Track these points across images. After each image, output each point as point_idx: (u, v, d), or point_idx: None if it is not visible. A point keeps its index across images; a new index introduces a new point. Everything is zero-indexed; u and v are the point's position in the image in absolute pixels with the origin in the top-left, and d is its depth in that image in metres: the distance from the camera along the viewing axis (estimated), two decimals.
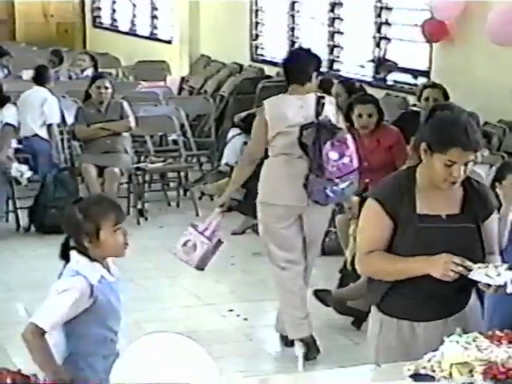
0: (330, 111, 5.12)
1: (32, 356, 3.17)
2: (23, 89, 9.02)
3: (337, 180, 5.03)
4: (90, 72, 10.33)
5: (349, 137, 5.11)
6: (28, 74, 11.18)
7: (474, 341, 2.85)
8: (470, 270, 3.02)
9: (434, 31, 8.00)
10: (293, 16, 10.57)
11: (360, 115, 6.23)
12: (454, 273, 3.00)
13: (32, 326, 3.18)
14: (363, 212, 3.28)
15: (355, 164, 5.11)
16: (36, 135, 7.89)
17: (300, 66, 5.18)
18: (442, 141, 3.13)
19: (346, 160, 5.03)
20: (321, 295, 5.55)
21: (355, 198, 6.11)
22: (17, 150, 7.70)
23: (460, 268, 3.01)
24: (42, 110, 7.95)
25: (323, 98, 5.13)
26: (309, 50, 5.40)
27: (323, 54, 9.91)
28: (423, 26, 8.05)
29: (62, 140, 8.36)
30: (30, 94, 8.08)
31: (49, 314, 3.21)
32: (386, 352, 3.23)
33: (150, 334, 2.47)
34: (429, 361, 2.88)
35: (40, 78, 8.21)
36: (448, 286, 3.06)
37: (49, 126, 8.04)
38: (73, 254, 3.30)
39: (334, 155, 4.99)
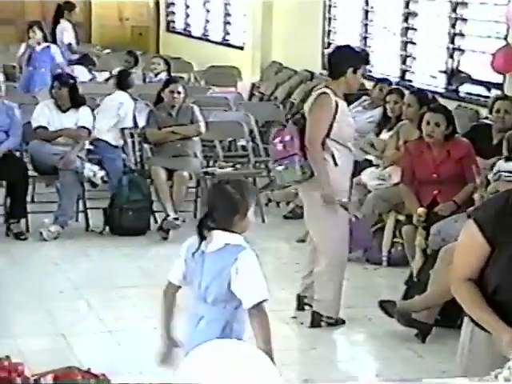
0: None
1: (261, 331, 3.59)
2: (97, 91, 9.17)
3: (276, 162, 5.52)
4: (163, 76, 10.42)
5: (293, 127, 5.41)
6: (101, 76, 11.37)
7: None
8: None
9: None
10: (366, 25, 10.53)
11: (428, 123, 6.20)
12: None
13: (262, 304, 3.62)
14: (462, 231, 3.24)
15: (290, 151, 5.34)
16: (104, 141, 7.94)
17: (332, 61, 5.50)
18: None
19: (279, 146, 5.43)
20: (385, 306, 5.52)
21: (421, 209, 6.08)
22: (89, 151, 7.80)
23: None
24: (117, 113, 8.01)
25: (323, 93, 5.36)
26: (346, 46, 5.66)
27: (395, 63, 9.89)
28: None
29: (133, 142, 8.45)
30: (110, 98, 8.13)
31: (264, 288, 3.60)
32: (474, 363, 3.19)
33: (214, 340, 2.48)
34: (495, 377, 2.83)
35: (121, 83, 8.26)
36: None
37: (122, 130, 8.09)
38: (217, 232, 3.54)
39: (275, 140, 5.48)
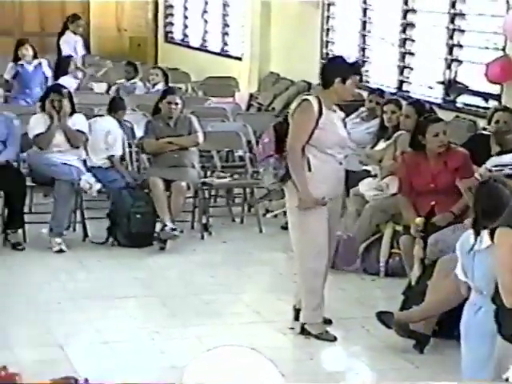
0: None
1: None
2: (94, 101, 9.17)
3: (259, 164, 5.85)
4: (161, 86, 10.44)
5: (271, 129, 5.56)
6: (99, 88, 11.38)
7: None
8: None
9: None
10: (364, 36, 10.55)
11: (437, 134, 6.22)
12: None
13: None
14: (501, 242, 3.28)
15: (267, 153, 5.53)
16: (99, 166, 7.86)
17: (323, 71, 5.66)
18: None
19: (260, 148, 5.70)
20: (383, 317, 5.51)
21: (419, 219, 6.08)
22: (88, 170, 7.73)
23: None
24: (105, 140, 7.92)
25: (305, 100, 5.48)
26: (338, 57, 5.86)
27: (393, 74, 9.90)
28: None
29: (131, 153, 8.45)
30: (99, 124, 7.97)
31: None
32: None
33: (219, 347, 2.47)
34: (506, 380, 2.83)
35: (111, 109, 8.20)
36: None
37: (109, 158, 7.96)
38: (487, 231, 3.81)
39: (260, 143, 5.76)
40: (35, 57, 10.57)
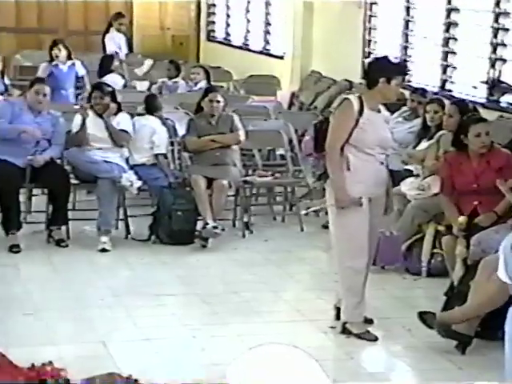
0: None
1: None
2: (136, 100, 9.23)
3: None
4: (203, 84, 10.48)
5: (312, 128, 5.62)
6: (142, 86, 11.45)
7: None
8: None
9: None
10: (406, 35, 10.50)
11: (479, 134, 6.18)
12: None
13: None
14: None
15: (307, 151, 5.72)
16: (142, 164, 7.90)
17: (368, 71, 5.67)
18: None
19: (302, 145, 5.99)
20: (425, 317, 5.49)
21: (462, 219, 6.05)
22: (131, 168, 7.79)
23: None
24: (150, 140, 7.96)
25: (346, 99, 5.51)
26: (384, 57, 5.75)
27: (436, 73, 9.85)
28: None
29: (173, 151, 8.49)
30: (142, 124, 7.99)
31: None
32: None
33: (263, 344, 2.47)
34: None
35: (149, 108, 8.23)
36: None
37: (156, 156, 8.01)
38: None
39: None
40: (69, 57, 10.62)
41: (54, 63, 10.52)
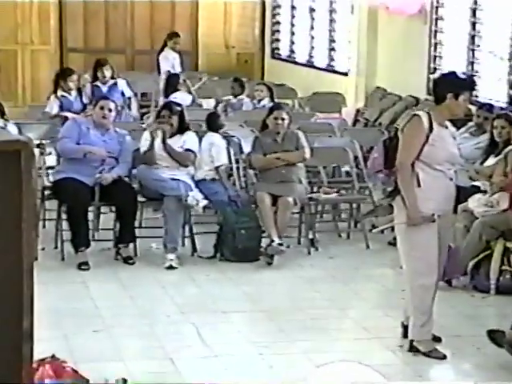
0: None
1: None
2: (202, 118, 9.31)
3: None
4: (266, 102, 10.53)
5: (381, 145, 5.60)
6: (208, 104, 11.55)
7: None
8: None
9: None
10: (473, 50, 10.42)
11: None
12: None
13: None
14: None
15: (376, 168, 5.67)
16: (204, 179, 7.96)
17: (435, 86, 5.62)
18: None
19: (369, 163, 5.92)
20: (494, 335, 5.42)
21: None
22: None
23: None
24: (209, 154, 8.01)
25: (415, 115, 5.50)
26: (451, 73, 5.75)
27: (503, 89, 9.74)
28: None
29: (238, 168, 8.54)
30: (203, 140, 8.04)
31: None
32: None
33: (334, 362, 2.48)
34: None
35: (210, 125, 8.28)
36: None
37: (216, 168, 8.05)
38: None
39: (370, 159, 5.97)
40: (112, 77, 10.72)
41: (94, 83, 10.61)
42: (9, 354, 2.26)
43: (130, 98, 10.94)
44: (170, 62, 12.49)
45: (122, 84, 10.83)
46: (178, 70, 12.54)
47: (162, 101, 10.84)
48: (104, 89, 10.48)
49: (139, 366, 5.20)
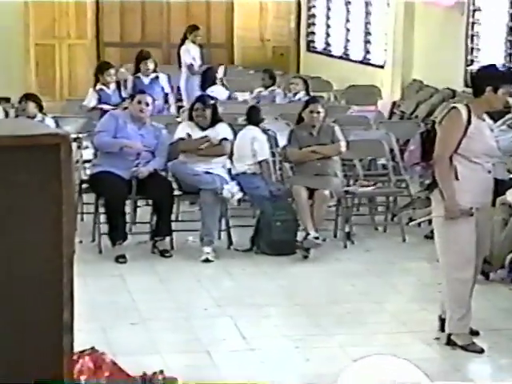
0: None
1: None
2: (238, 111, 9.33)
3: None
4: (302, 95, 10.51)
5: (418, 137, 5.57)
6: (244, 97, 11.55)
7: None
8: None
9: None
10: (510, 42, 10.31)
11: None
12: None
13: None
14: None
15: (413, 160, 5.62)
16: (243, 173, 7.97)
17: (474, 79, 5.64)
18: None
19: (406, 156, 5.84)
20: None
21: None
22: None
23: None
24: (251, 148, 8.02)
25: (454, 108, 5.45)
26: (491, 66, 5.75)
27: None
28: None
29: (274, 162, 8.54)
30: (243, 134, 8.07)
31: None
32: None
33: (371, 356, 2.46)
34: None
35: (251, 119, 8.29)
36: None
37: (259, 163, 8.06)
38: None
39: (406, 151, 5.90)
40: (154, 70, 10.77)
41: (136, 75, 10.67)
42: (50, 345, 2.28)
43: (167, 94, 10.96)
44: (190, 55, 12.45)
45: (163, 78, 10.88)
46: (198, 63, 12.50)
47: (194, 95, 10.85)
48: (146, 81, 10.56)
49: (176, 358, 5.23)
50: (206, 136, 7.71)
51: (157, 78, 10.70)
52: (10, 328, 2.27)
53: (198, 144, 7.69)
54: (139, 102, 7.67)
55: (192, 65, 12.11)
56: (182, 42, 12.61)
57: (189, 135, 7.73)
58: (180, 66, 12.45)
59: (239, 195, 7.62)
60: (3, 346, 2.28)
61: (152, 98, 7.94)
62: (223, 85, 11.39)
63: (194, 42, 12.57)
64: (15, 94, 10.57)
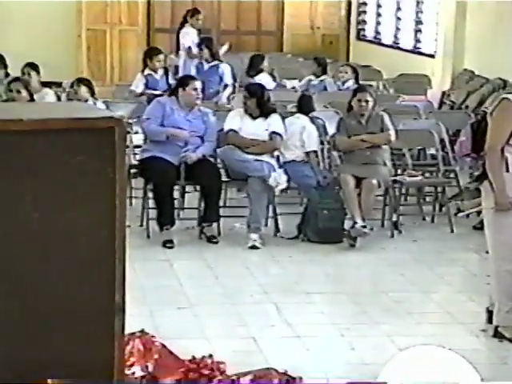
0: None
1: None
2: (287, 98, 9.31)
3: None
4: (351, 83, 10.47)
5: (468, 128, 5.58)
6: (292, 85, 11.54)
7: None
8: None
9: None
10: None
11: None
12: None
13: None
14: None
15: (464, 151, 5.69)
16: (291, 160, 7.96)
17: None
18: None
19: (457, 146, 5.99)
20: None
21: None
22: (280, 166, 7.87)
23: None
24: (300, 138, 8.00)
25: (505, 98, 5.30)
26: None
27: None
28: None
29: (322, 150, 8.52)
30: (292, 121, 8.04)
31: None
32: None
33: (417, 346, 2.47)
34: None
35: (302, 107, 8.27)
36: None
37: (307, 153, 8.05)
38: None
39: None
40: (214, 58, 10.76)
41: (198, 60, 10.70)
42: (102, 326, 2.32)
43: (226, 86, 10.96)
44: (190, 38, 12.36)
45: (224, 68, 10.89)
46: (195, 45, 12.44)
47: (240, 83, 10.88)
48: (206, 66, 10.61)
49: (222, 344, 5.25)
50: (255, 139, 7.68)
51: (216, 66, 10.73)
52: (64, 307, 2.31)
53: (247, 143, 7.68)
54: (195, 89, 7.67)
55: (190, 48, 12.02)
56: (182, 26, 12.55)
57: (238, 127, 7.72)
58: (178, 50, 12.41)
59: (284, 185, 7.63)
60: (57, 326, 2.32)
61: (201, 82, 7.94)
62: (270, 74, 11.36)
63: (193, 26, 12.48)
64: (66, 79, 10.70)
